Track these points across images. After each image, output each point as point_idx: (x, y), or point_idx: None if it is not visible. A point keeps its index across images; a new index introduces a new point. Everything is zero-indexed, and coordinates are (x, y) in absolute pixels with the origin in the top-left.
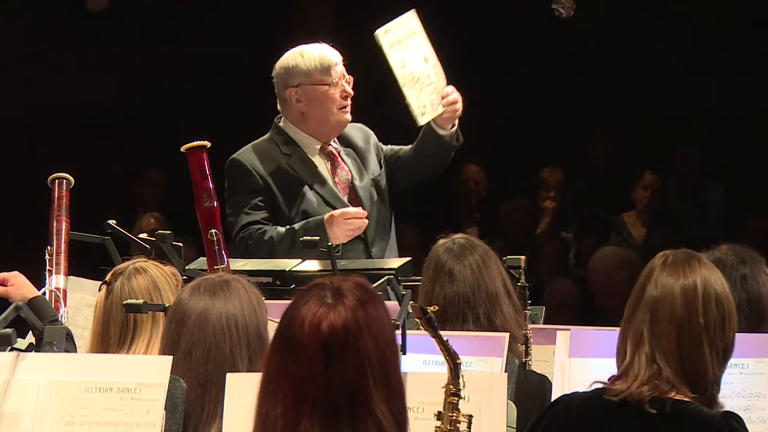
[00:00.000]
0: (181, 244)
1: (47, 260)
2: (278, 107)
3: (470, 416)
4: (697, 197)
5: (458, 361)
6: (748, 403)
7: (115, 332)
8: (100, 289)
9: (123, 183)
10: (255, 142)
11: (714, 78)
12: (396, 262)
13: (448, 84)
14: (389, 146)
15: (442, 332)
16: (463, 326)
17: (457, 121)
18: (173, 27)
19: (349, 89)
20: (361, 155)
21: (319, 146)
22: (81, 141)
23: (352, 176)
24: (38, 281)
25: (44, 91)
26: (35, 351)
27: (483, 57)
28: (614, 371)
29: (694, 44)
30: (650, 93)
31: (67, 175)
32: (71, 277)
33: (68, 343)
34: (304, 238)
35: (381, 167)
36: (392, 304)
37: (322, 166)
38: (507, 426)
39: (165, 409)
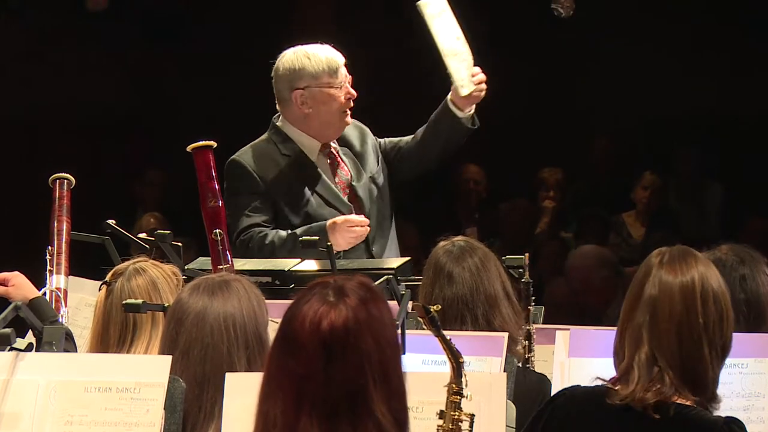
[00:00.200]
0: (180, 244)
1: (48, 260)
2: (277, 107)
3: (472, 415)
4: (697, 197)
5: (461, 360)
6: (748, 403)
7: (114, 333)
8: (100, 289)
9: (123, 183)
10: (254, 142)
11: (714, 78)
12: (395, 262)
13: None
14: (387, 139)
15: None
16: (461, 327)
17: (474, 105)
18: (173, 27)
19: (353, 91)
20: (359, 154)
21: (319, 147)
22: (81, 141)
23: (351, 176)
24: (38, 281)
25: (44, 91)
26: (35, 351)
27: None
28: (613, 371)
29: (694, 44)
30: (650, 93)
31: (68, 176)
32: (71, 277)
33: (69, 343)
34: (304, 237)
35: (379, 164)
36: (392, 304)
37: (323, 166)
38: (506, 426)
39: (164, 408)
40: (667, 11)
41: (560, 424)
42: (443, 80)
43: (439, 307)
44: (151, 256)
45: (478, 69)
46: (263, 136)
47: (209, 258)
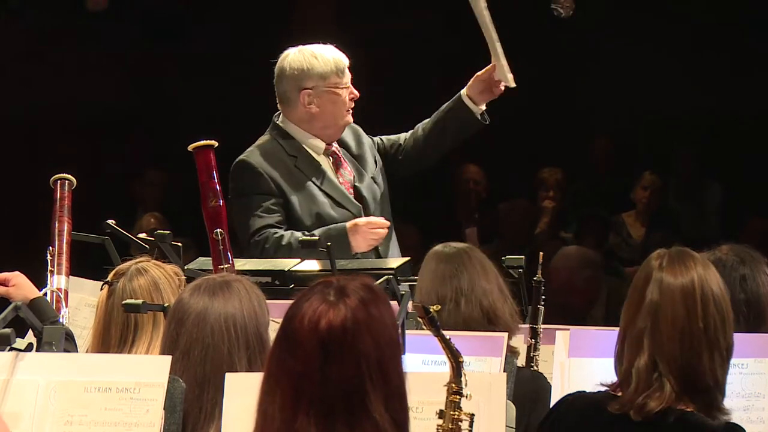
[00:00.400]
0: (180, 244)
1: (49, 261)
2: (279, 106)
3: (472, 415)
4: (697, 197)
5: (461, 360)
6: (748, 403)
7: (116, 333)
8: (101, 289)
9: (123, 183)
10: (259, 143)
11: (714, 78)
12: (395, 262)
13: None
14: (384, 137)
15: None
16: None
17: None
18: (173, 27)
19: (356, 91)
20: (357, 155)
21: (323, 147)
22: (81, 141)
23: (354, 177)
24: (38, 281)
25: (44, 91)
26: (35, 351)
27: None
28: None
29: (694, 44)
30: (650, 93)
31: (69, 176)
32: (71, 277)
33: (69, 343)
34: (303, 238)
35: (377, 165)
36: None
37: (327, 166)
38: (506, 426)
39: (164, 408)
40: (667, 11)
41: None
42: (443, 80)
43: (439, 307)
44: (153, 256)
45: None
46: (266, 136)
47: (209, 258)
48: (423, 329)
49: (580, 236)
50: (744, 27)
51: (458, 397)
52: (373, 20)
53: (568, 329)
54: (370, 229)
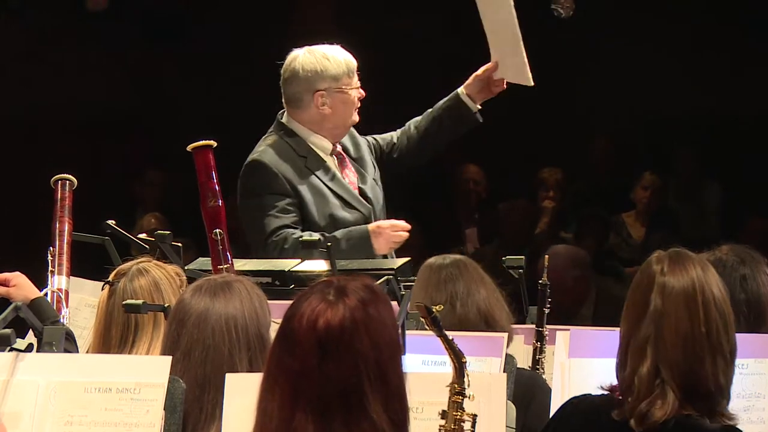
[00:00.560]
0: (180, 245)
1: (50, 261)
2: (286, 107)
3: (475, 415)
4: (697, 197)
5: (463, 360)
6: (748, 403)
7: (116, 333)
8: (102, 290)
9: (123, 183)
10: (268, 142)
11: (714, 78)
12: (395, 262)
13: None
14: (376, 136)
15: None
16: None
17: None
18: (173, 27)
19: (362, 92)
20: (356, 157)
21: (330, 148)
22: (81, 141)
23: (357, 178)
24: (39, 281)
25: (44, 91)
26: (35, 351)
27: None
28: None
29: (694, 44)
30: (650, 93)
31: (70, 176)
32: (72, 278)
33: (70, 344)
34: (304, 238)
35: (375, 166)
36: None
37: (334, 167)
38: (506, 426)
39: (164, 409)
40: (667, 11)
41: None
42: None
43: (441, 307)
44: (155, 256)
45: None
46: (273, 136)
47: (209, 258)
48: (424, 329)
49: (580, 236)
50: (744, 27)
51: (461, 397)
52: (373, 20)
53: (568, 329)
54: (394, 231)
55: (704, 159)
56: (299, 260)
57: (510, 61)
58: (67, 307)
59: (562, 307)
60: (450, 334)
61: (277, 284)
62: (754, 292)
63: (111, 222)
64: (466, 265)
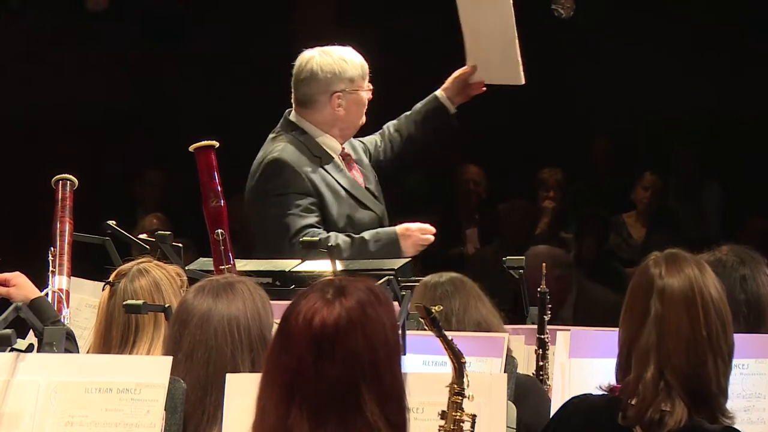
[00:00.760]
0: (180, 245)
1: (50, 261)
2: (297, 107)
3: (474, 416)
4: (697, 197)
5: (463, 361)
6: (749, 403)
7: (117, 334)
8: (103, 290)
9: (123, 183)
10: (285, 141)
11: (714, 78)
12: (396, 263)
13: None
14: (364, 140)
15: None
16: None
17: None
18: (173, 27)
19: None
20: (356, 159)
21: (339, 148)
22: (81, 141)
23: (363, 178)
24: (39, 281)
25: (44, 91)
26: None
27: None
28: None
29: (694, 44)
30: (650, 93)
31: (71, 177)
32: (72, 278)
33: (70, 343)
34: (304, 238)
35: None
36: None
37: (344, 168)
38: (507, 426)
39: (165, 409)
40: (667, 11)
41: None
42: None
43: (441, 307)
44: (155, 257)
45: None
46: (285, 135)
47: (209, 259)
48: (424, 330)
49: (580, 237)
50: (744, 27)
51: (460, 398)
52: (373, 20)
53: (569, 329)
54: (423, 234)
55: (704, 159)
56: (300, 260)
57: (498, 62)
58: (67, 307)
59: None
60: (450, 334)
61: (278, 284)
62: (753, 293)
63: (111, 222)
64: (463, 282)
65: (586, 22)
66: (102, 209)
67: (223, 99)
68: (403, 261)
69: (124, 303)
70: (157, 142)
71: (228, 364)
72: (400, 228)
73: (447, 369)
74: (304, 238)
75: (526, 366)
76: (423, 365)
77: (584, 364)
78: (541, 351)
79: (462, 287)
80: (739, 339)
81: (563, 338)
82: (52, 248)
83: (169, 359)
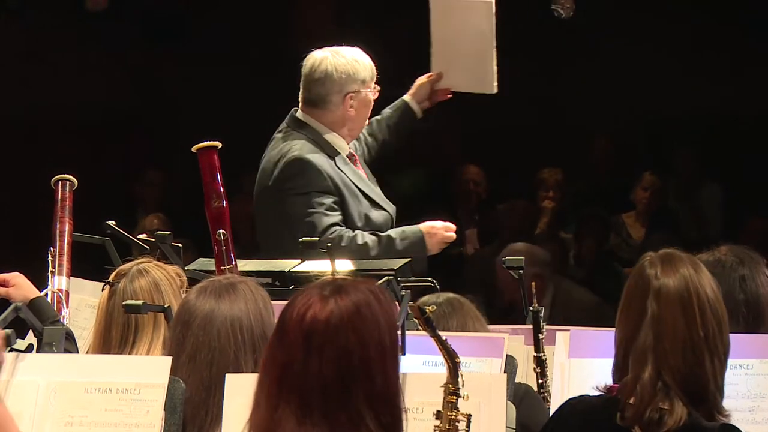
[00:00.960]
0: (180, 245)
1: (50, 261)
2: (306, 107)
3: (469, 415)
4: (697, 198)
5: (457, 360)
6: (753, 403)
7: (116, 334)
8: (103, 290)
9: (123, 183)
10: (300, 139)
11: (714, 78)
12: (396, 263)
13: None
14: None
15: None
16: None
17: None
18: (173, 27)
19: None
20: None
21: (347, 149)
22: (81, 141)
23: (368, 178)
24: (38, 282)
25: (44, 91)
26: (35, 352)
27: None
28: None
29: (694, 44)
30: (650, 93)
31: (70, 177)
32: (72, 278)
33: (70, 343)
34: (304, 239)
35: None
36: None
37: (355, 168)
38: (506, 426)
39: (164, 409)
40: (667, 11)
41: None
42: None
43: (434, 307)
44: (155, 257)
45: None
46: (297, 134)
47: (209, 259)
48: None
49: (579, 237)
50: (744, 27)
51: (455, 397)
52: (373, 20)
53: (568, 329)
54: (448, 232)
55: (704, 159)
56: (299, 261)
57: (469, 70)
58: (67, 307)
59: (518, 306)
60: (449, 334)
61: (277, 285)
62: (753, 293)
63: (111, 222)
64: (461, 303)
65: (586, 22)
66: (102, 209)
67: (223, 99)
68: (402, 261)
69: (124, 303)
70: (157, 142)
71: (231, 365)
72: (425, 226)
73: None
74: (330, 235)
75: (526, 366)
76: (423, 365)
77: (584, 364)
78: (540, 369)
79: (459, 308)
80: (743, 339)
81: (563, 338)
82: (51, 248)
83: (169, 359)
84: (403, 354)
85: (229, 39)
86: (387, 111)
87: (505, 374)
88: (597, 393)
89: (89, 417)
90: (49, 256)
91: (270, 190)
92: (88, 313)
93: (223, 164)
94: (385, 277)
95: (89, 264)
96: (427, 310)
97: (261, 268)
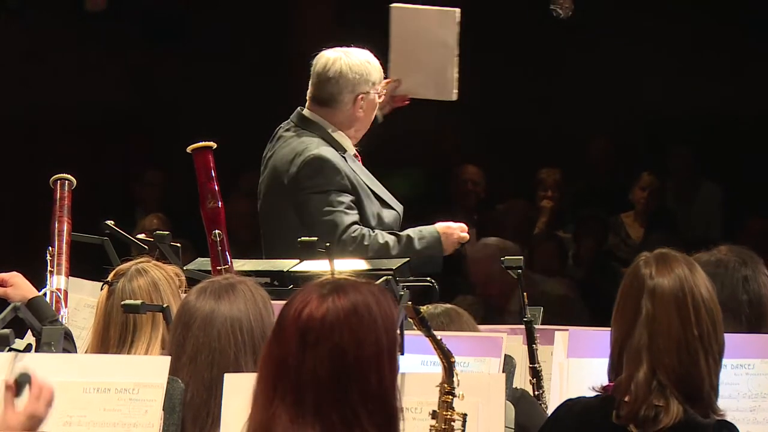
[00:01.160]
0: (179, 245)
1: (48, 261)
2: (316, 105)
3: (465, 415)
4: (696, 197)
5: (452, 360)
6: (754, 403)
7: (115, 334)
8: (101, 289)
9: (123, 183)
10: (313, 137)
11: (714, 78)
12: (395, 263)
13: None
14: None
15: (437, 332)
16: None
17: None
18: (173, 27)
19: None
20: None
21: (354, 149)
22: (81, 141)
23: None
24: (38, 281)
25: (44, 91)
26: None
27: (482, 57)
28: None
29: (693, 44)
30: (649, 93)
31: (69, 176)
32: (71, 278)
33: (68, 343)
34: (303, 238)
35: None
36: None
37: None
38: (505, 426)
39: (163, 409)
40: (667, 11)
41: None
42: None
43: (429, 307)
44: (154, 257)
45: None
46: (308, 132)
47: (208, 259)
48: None
49: (578, 236)
50: (744, 27)
51: (450, 397)
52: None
53: (567, 329)
54: (462, 232)
55: (704, 159)
56: (298, 260)
57: (429, 77)
58: (65, 307)
59: (490, 300)
60: (447, 333)
61: (276, 284)
62: (755, 293)
63: (110, 222)
64: (459, 314)
65: (586, 22)
66: (101, 209)
67: (222, 99)
68: (401, 261)
69: (123, 303)
70: (157, 142)
71: (231, 366)
72: (441, 226)
73: None
74: (353, 234)
75: (525, 366)
76: (421, 365)
77: (582, 363)
78: (535, 380)
79: (457, 319)
80: (745, 339)
81: (561, 338)
82: (50, 248)
83: (167, 359)
84: (402, 354)
85: (229, 39)
86: None
87: (504, 374)
88: (594, 393)
89: (88, 417)
90: (48, 255)
91: (286, 188)
92: (86, 312)
93: (223, 164)
94: (384, 277)
95: (88, 264)
96: (421, 310)
97: (259, 268)
